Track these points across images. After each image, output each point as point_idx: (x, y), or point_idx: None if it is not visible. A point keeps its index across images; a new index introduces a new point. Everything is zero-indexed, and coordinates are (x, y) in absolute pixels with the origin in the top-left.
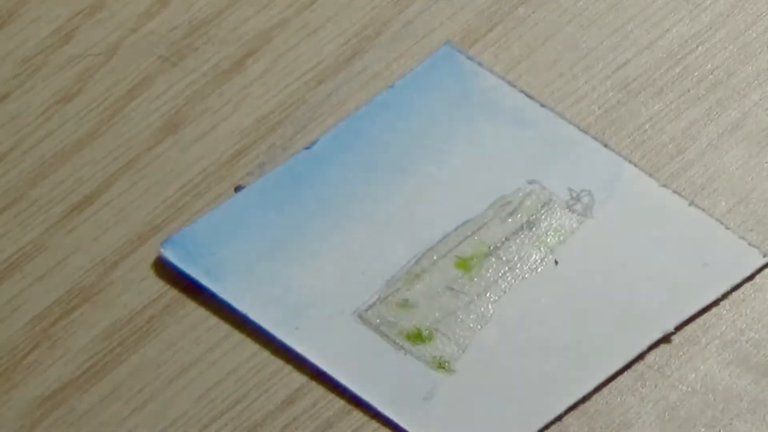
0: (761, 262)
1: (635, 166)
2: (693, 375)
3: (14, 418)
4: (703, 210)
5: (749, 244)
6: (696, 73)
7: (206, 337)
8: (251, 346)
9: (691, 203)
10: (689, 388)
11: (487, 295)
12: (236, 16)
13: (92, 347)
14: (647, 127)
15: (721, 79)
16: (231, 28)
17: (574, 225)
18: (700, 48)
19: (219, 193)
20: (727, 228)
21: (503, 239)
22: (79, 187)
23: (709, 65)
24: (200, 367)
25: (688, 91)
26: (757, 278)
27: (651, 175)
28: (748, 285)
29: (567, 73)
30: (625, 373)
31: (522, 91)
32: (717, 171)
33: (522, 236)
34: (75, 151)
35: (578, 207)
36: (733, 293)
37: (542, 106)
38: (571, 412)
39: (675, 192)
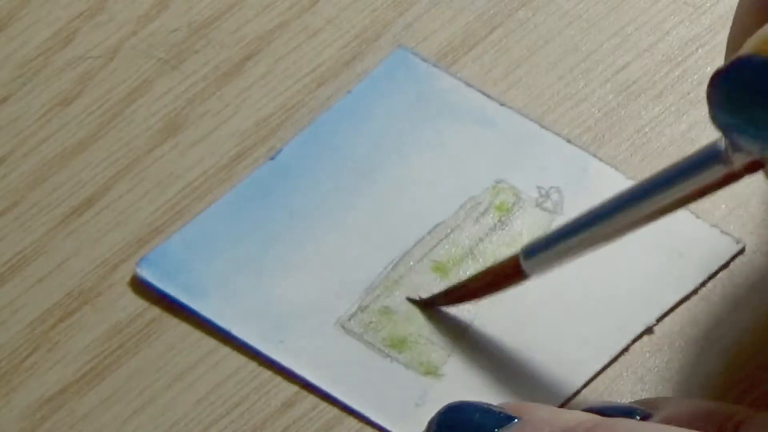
0: (736, 248)
1: (600, 160)
2: (694, 379)
3: (14, 420)
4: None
5: (722, 231)
6: (696, 76)
7: (207, 339)
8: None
9: None
10: (690, 392)
11: None
12: (236, 18)
13: (92, 350)
14: (647, 129)
15: None
16: (231, 30)
17: (546, 223)
18: (700, 50)
19: (219, 195)
20: (698, 217)
21: (477, 240)
22: (79, 190)
23: (709, 68)
24: (201, 369)
25: (688, 93)
26: (758, 281)
27: (617, 168)
28: (748, 288)
29: (567, 76)
30: (625, 375)
31: (480, 91)
32: None
33: (495, 237)
34: (75, 154)
35: (548, 204)
36: (734, 297)
37: (501, 104)
38: None
39: None
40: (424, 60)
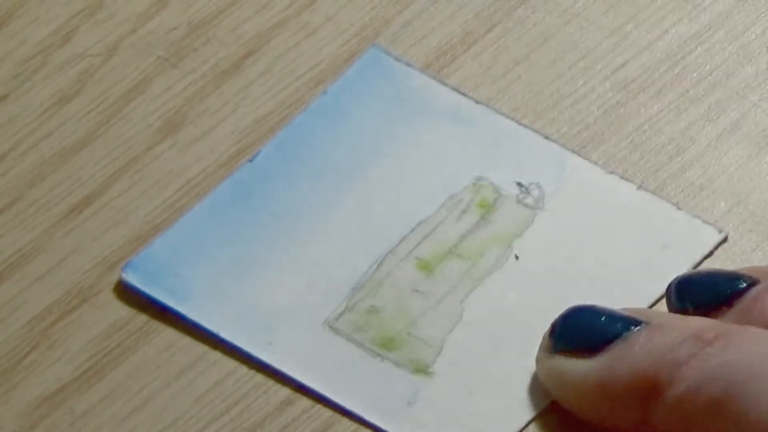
0: (718, 238)
1: (578, 155)
2: None
3: (13, 419)
4: (653, 193)
5: (704, 221)
6: (695, 74)
7: (206, 337)
8: None
9: (640, 187)
10: None
11: (455, 294)
12: (235, 16)
13: (91, 348)
14: (646, 127)
15: (720, 79)
16: (230, 28)
17: (528, 218)
18: (699, 48)
19: None
20: (679, 208)
21: (461, 238)
22: (78, 188)
23: (708, 66)
24: (200, 367)
25: (687, 91)
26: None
27: (596, 163)
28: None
29: (566, 74)
30: None
31: (455, 89)
32: (716, 172)
33: (478, 234)
34: (74, 152)
35: (529, 200)
36: None
37: (477, 102)
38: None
39: (623, 178)
40: (398, 59)
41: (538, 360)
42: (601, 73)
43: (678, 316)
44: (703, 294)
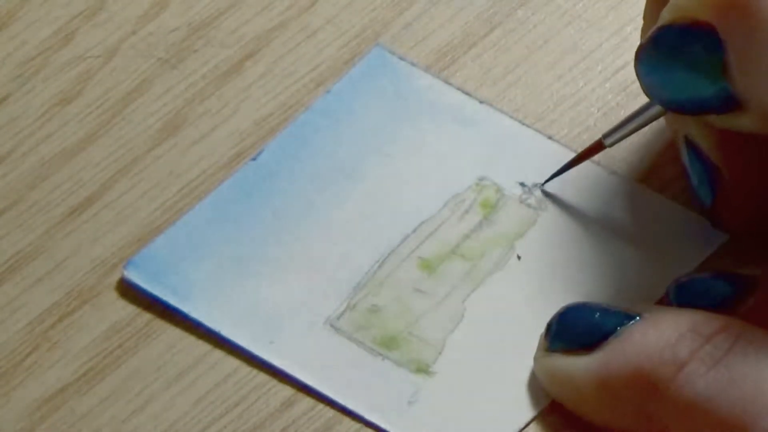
0: (723, 238)
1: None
2: None
3: (13, 420)
4: (658, 192)
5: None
6: None
7: (207, 338)
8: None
9: (643, 187)
10: None
11: (456, 294)
12: (235, 18)
13: (92, 349)
14: (646, 129)
15: None
16: (230, 30)
17: (531, 219)
18: None
19: None
20: (683, 208)
21: (463, 238)
22: (78, 189)
23: None
24: (200, 369)
25: None
26: None
27: (599, 164)
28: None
29: (566, 75)
30: None
31: (459, 89)
32: None
33: (481, 234)
34: (74, 153)
35: (532, 201)
36: None
37: (481, 102)
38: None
39: (625, 177)
40: (402, 59)
41: (535, 360)
42: (602, 74)
43: (673, 309)
44: (703, 299)
